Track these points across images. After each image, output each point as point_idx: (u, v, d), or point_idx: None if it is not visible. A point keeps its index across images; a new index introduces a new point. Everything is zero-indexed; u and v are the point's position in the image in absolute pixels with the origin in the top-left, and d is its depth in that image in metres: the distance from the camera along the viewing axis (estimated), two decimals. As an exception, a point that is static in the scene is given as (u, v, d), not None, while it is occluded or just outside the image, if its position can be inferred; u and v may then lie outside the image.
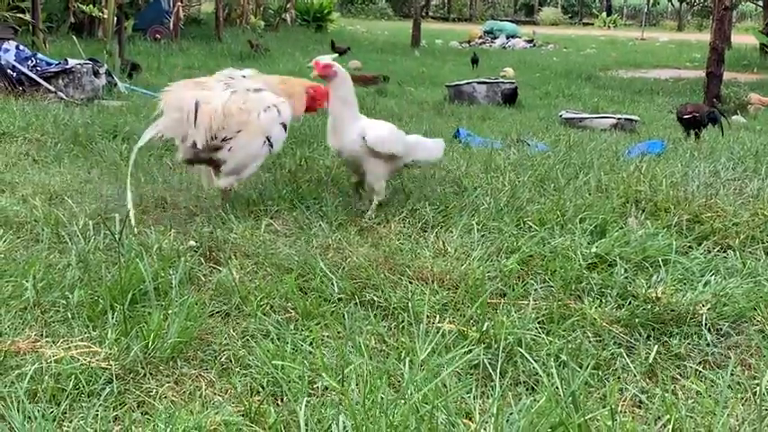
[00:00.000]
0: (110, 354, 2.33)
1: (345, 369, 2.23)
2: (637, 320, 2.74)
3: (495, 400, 2.06)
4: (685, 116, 8.27)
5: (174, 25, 20.55)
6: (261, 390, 2.24)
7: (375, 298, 2.87)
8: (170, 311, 2.53)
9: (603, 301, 2.90)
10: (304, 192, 4.30)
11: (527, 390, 2.28)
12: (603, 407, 2.16)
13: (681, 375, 2.44)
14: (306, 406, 2.02)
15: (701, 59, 16.58)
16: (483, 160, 5.10)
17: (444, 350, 2.39)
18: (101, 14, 15.87)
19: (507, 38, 30.13)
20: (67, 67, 8.70)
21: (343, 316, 2.69)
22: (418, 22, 25.93)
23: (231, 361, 2.41)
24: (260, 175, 4.66)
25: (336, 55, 15.96)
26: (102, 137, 5.69)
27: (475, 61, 19.16)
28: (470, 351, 2.37)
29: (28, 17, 12.10)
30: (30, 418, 1.94)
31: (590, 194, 4.25)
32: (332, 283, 2.94)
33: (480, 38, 30.59)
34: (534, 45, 29.33)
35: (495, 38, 30.25)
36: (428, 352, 2.30)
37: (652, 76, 17.61)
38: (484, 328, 2.53)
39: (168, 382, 2.26)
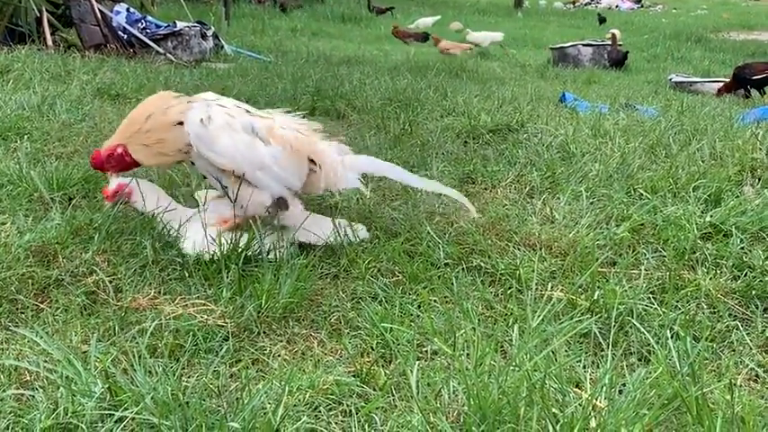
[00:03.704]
0: (225, 312, 2.39)
1: (455, 334, 2.23)
2: (753, 292, 2.66)
3: (608, 370, 2.04)
4: (755, 77, 7.94)
5: (278, -13, 20.73)
6: (370, 351, 2.26)
7: (482, 264, 2.86)
8: (281, 272, 2.58)
9: (718, 272, 2.82)
10: (409, 156, 4.30)
11: (639, 361, 2.24)
12: (719, 380, 2.11)
13: (800, 350, 2.35)
14: (416, 369, 2.03)
15: (822, 20, 15.79)
16: (591, 125, 4.99)
17: (553, 318, 2.37)
18: (207, -23, 16.17)
19: (614, -2, 29.31)
20: (176, 29, 8.89)
21: (451, 281, 2.69)
22: (522, -17, 25.48)
23: (341, 322, 2.44)
24: (365, 138, 4.70)
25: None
26: (212, 99, 5.80)
27: (602, 20, 19.18)
28: (580, 320, 2.35)
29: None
30: (151, 372, 2.02)
31: (704, 162, 4.13)
32: (438, 248, 2.93)
33: (586, -2, 29.87)
34: (642, 6, 28.48)
35: (602, -2, 29.47)
36: (538, 320, 2.28)
37: (767, 39, 16.85)
38: (594, 297, 2.50)
39: (281, 341, 2.31)
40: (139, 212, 2.91)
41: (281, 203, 2.88)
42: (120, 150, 2.81)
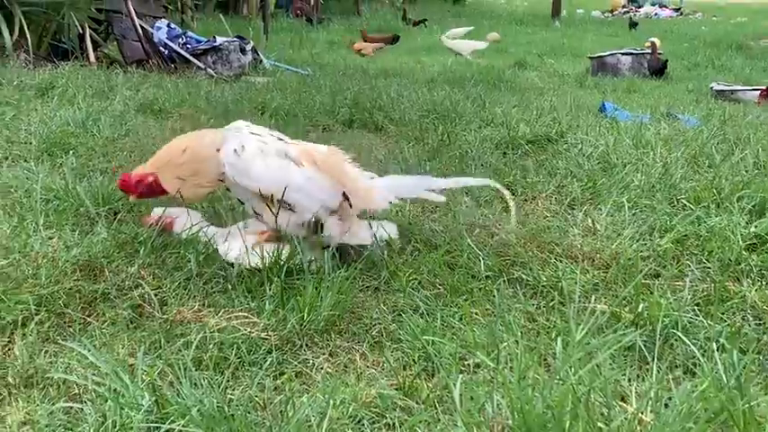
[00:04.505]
0: (268, 324, 2.41)
1: (498, 347, 2.23)
2: (801, 305, 2.62)
3: (654, 384, 2.02)
4: None
5: (315, 1, 20.94)
6: (413, 364, 2.26)
7: (523, 276, 2.85)
8: (323, 285, 2.59)
9: (764, 283, 2.79)
10: (447, 168, 4.30)
11: (685, 374, 2.22)
12: (766, 393, 2.08)
13: None
14: (459, 382, 2.03)
15: None
16: (632, 135, 4.95)
17: (597, 331, 2.35)
18: (246, -8, 16.36)
19: (653, 6, 29.08)
20: (216, 44, 8.98)
21: (492, 293, 2.68)
22: (559, -8, 25.36)
23: (382, 335, 2.45)
24: (404, 150, 4.71)
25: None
26: (252, 112, 5.87)
27: (633, 25, 19.18)
28: (625, 333, 2.32)
29: (177, -5, 12.56)
30: (196, 385, 2.04)
31: (747, 172, 4.08)
32: (479, 260, 2.93)
33: (624, 6, 29.68)
34: (681, 14, 28.20)
35: (640, 6, 29.31)
36: (582, 333, 2.26)
37: (810, 46, 16.60)
38: (639, 310, 2.48)
39: (323, 354, 2.32)
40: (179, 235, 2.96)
41: (316, 225, 2.90)
42: (150, 179, 2.84)
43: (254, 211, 2.89)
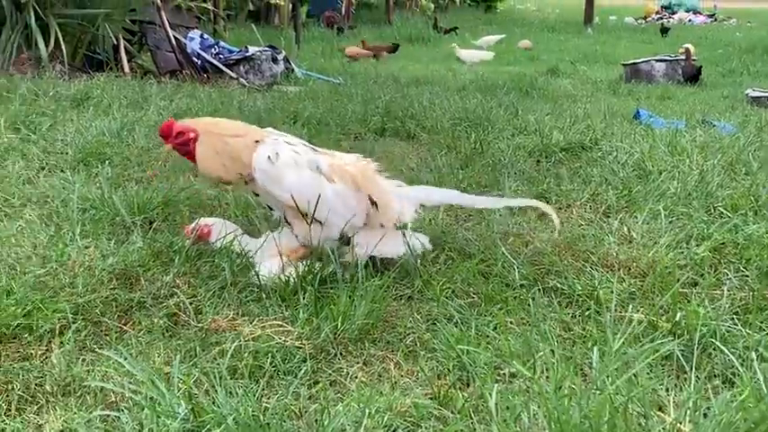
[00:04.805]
0: (302, 333, 2.41)
1: (534, 356, 2.21)
2: (842, 314, 2.57)
3: (692, 393, 1.99)
4: None
5: (347, 10, 21.04)
6: (447, 373, 2.25)
7: (558, 285, 2.83)
8: (356, 294, 2.59)
9: (804, 292, 2.74)
10: (480, 176, 4.29)
11: (724, 383, 2.18)
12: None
13: None
14: (494, 392, 2.01)
15: None
16: (667, 142, 4.90)
17: (634, 341, 2.33)
18: (278, 1, 16.45)
19: (687, 12, 28.84)
20: (248, 54, 9.04)
21: (527, 302, 2.66)
22: (591, -1, 25.20)
23: (416, 344, 2.44)
24: (437, 158, 4.70)
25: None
26: (284, 121, 5.89)
27: (664, 31, 19.11)
28: (662, 342, 2.30)
29: (210, 6, 12.63)
30: (232, 393, 2.04)
31: (785, 179, 4.02)
32: (513, 269, 2.91)
33: (657, 13, 29.46)
34: (715, 20, 27.93)
35: (674, 13, 29.04)
36: (619, 342, 2.24)
37: None
38: (676, 319, 2.44)
39: (358, 363, 2.32)
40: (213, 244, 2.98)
41: (345, 239, 2.90)
42: (192, 135, 2.80)
43: (286, 221, 2.89)
